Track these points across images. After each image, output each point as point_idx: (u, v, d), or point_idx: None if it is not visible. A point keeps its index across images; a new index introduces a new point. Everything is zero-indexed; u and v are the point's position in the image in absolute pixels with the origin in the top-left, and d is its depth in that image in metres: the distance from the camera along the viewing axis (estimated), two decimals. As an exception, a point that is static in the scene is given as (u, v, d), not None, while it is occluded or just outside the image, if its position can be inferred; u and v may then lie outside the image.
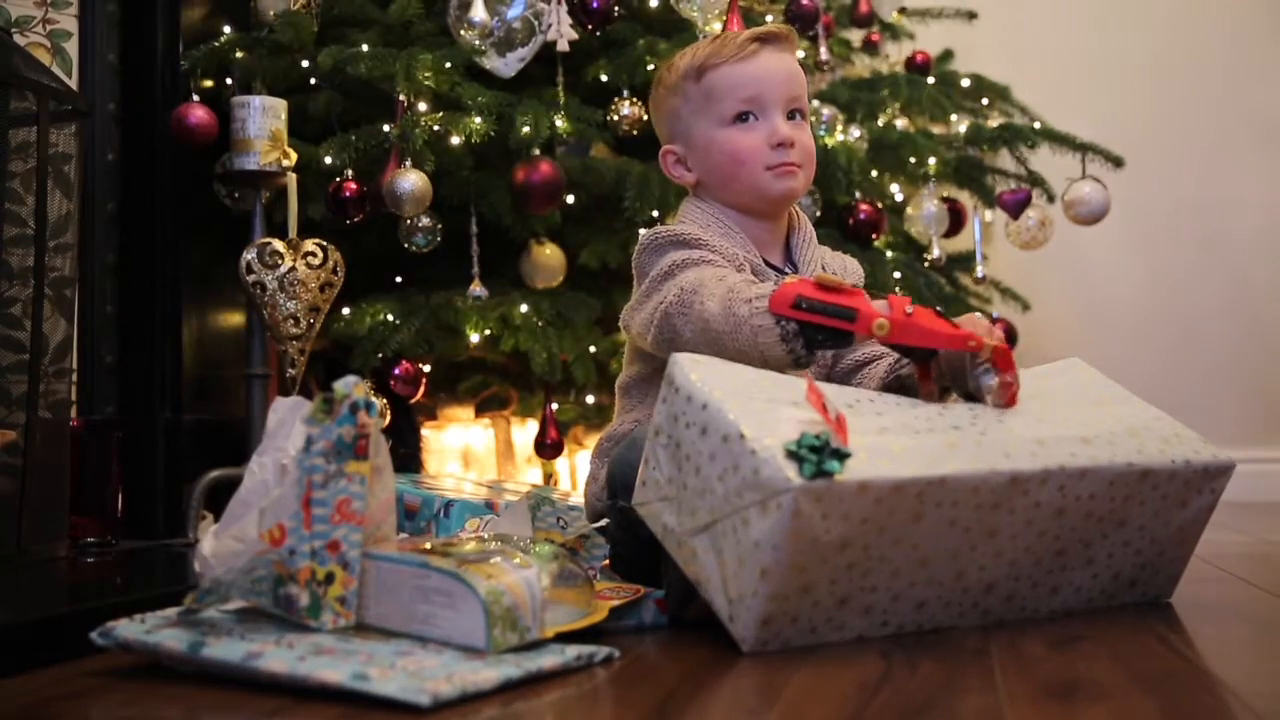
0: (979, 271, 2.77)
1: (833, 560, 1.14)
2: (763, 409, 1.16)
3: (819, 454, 1.11)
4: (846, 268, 1.60)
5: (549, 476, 2.40)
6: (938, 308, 1.30)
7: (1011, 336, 2.73)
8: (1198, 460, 1.34)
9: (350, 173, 2.18)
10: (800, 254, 1.54)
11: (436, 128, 2.13)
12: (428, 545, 1.17)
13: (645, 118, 2.23)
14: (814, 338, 1.25)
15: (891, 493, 1.14)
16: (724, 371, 1.21)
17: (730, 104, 1.48)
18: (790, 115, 1.50)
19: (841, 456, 1.11)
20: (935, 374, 1.33)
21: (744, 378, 1.21)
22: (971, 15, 3.10)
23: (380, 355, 2.19)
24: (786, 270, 1.52)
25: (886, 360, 1.50)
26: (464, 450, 2.49)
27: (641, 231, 1.50)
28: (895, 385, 1.45)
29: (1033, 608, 1.32)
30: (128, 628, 1.09)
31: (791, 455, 1.11)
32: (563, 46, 2.20)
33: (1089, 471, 1.25)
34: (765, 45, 1.50)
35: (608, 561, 1.49)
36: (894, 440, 1.18)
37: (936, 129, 2.78)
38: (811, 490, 1.10)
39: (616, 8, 2.20)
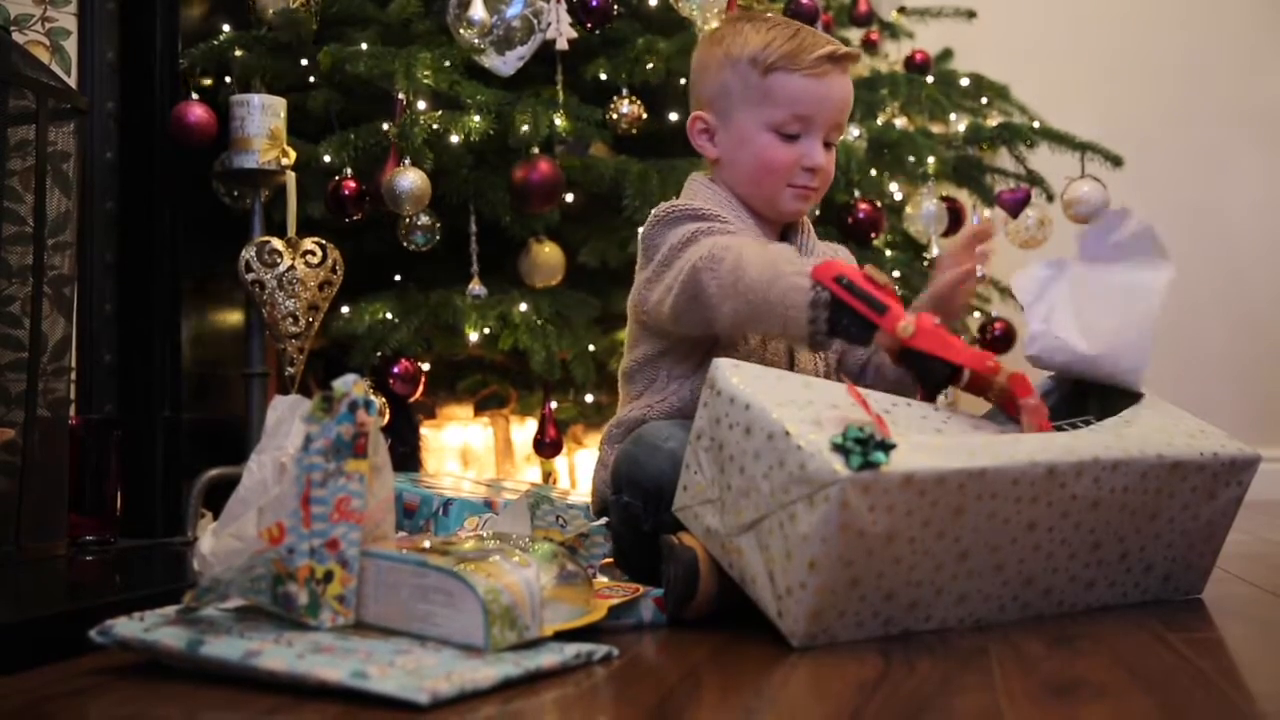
0: (978, 271, 2.77)
1: (879, 553, 1.16)
2: (804, 408, 1.18)
3: (864, 446, 1.12)
4: (838, 253, 1.63)
5: (548, 475, 2.40)
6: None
7: (1010, 336, 2.73)
8: (1225, 453, 1.36)
9: (349, 171, 2.18)
10: (795, 241, 1.56)
11: (435, 126, 2.12)
12: (426, 544, 1.17)
13: (644, 116, 2.23)
14: (839, 319, 1.25)
15: (935, 484, 1.15)
16: (763, 375, 1.24)
17: (783, 115, 1.49)
18: (828, 139, 1.52)
19: (887, 448, 1.13)
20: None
21: (783, 381, 1.24)
22: (971, 14, 3.10)
23: (379, 353, 2.18)
24: None
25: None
26: (463, 449, 2.49)
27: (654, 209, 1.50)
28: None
29: (1070, 602, 1.33)
30: (126, 626, 1.09)
31: (837, 448, 1.13)
32: (562, 45, 2.20)
33: (1122, 464, 1.28)
34: (836, 66, 1.50)
35: (607, 560, 1.49)
36: (933, 437, 1.21)
37: (936, 128, 2.78)
38: (859, 481, 1.11)
39: (616, 6, 2.19)
